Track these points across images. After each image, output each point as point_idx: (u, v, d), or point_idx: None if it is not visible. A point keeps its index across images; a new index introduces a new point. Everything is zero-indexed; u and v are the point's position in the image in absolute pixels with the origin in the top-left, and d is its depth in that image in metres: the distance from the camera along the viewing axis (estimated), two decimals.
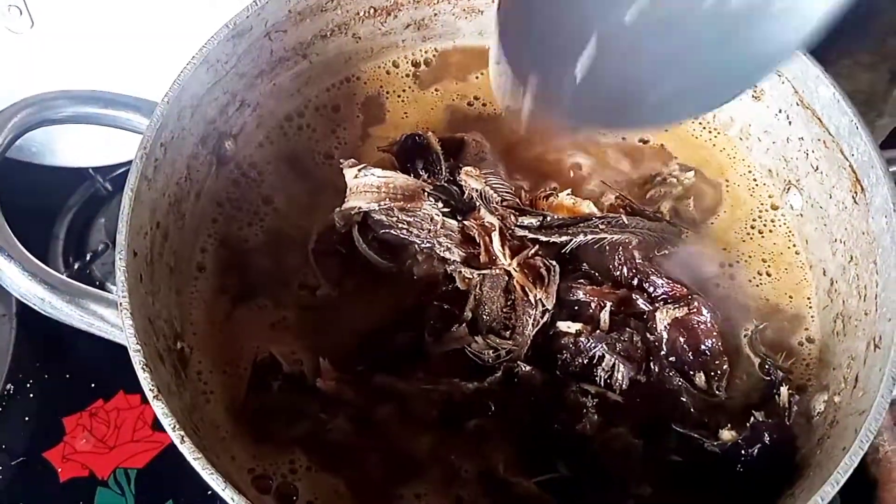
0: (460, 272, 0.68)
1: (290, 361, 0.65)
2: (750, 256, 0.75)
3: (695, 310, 0.67)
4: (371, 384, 0.64)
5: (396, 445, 0.64)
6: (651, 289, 0.70)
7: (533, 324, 0.66)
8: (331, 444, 0.63)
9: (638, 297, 0.69)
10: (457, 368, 0.66)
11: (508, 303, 0.67)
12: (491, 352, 0.66)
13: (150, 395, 0.52)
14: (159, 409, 0.52)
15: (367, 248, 0.69)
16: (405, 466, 0.63)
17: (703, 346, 0.67)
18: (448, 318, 0.67)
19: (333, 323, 0.69)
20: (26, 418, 0.92)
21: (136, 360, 0.54)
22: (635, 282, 0.70)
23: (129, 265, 0.57)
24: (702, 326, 0.68)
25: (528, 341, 0.66)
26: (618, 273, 0.71)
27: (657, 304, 0.69)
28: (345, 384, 0.63)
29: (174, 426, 0.51)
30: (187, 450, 0.51)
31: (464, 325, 0.66)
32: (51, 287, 0.58)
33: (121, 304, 0.55)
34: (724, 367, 0.67)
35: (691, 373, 0.67)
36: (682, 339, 0.67)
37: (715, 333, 0.67)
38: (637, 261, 0.70)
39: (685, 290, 0.69)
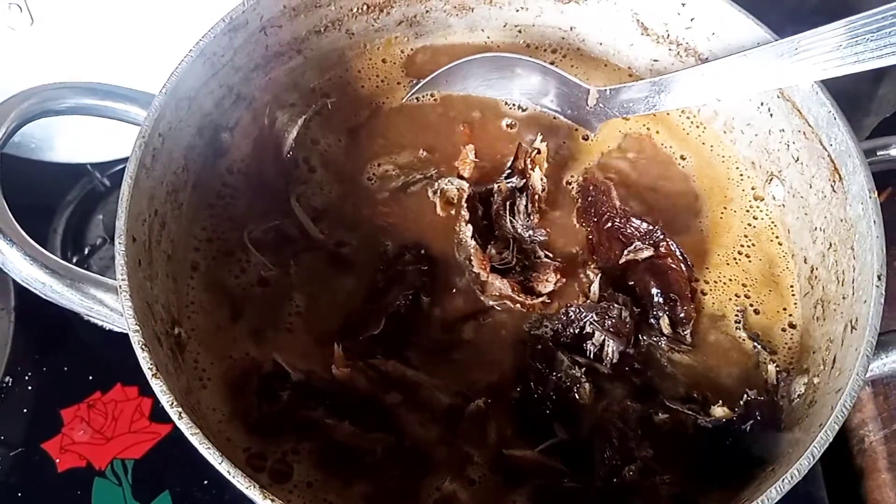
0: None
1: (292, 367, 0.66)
2: (738, 251, 0.77)
3: (664, 251, 0.70)
4: (382, 372, 0.65)
5: (406, 440, 0.65)
6: (630, 230, 0.73)
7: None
8: (339, 449, 0.64)
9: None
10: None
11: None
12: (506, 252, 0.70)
13: (148, 374, 0.54)
14: (157, 386, 0.53)
15: (302, 213, 0.72)
16: (417, 461, 0.64)
17: (670, 290, 0.70)
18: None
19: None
20: (25, 410, 0.93)
21: (135, 339, 0.55)
22: (615, 223, 0.74)
23: (128, 249, 0.59)
24: (670, 269, 0.70)
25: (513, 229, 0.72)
26: (597, 218, 0.74)
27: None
28: (357, 372, 0.64)
29: (172, 403, 0.53)
30: (185, 426, 0.52)
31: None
32: (52, 272, 0.60)
33: (120, 286, 0.57)
34: (692, 313, 0.70)
35: (658, 314, 0.69)
36: (650, 281, 0.70)
37: (682, 278, 0.69)
38: (616, 203, 0.74)
39: (661, 231, 0.72)
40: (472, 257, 0.70)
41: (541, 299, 0.70)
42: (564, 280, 0.71)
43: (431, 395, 0.65)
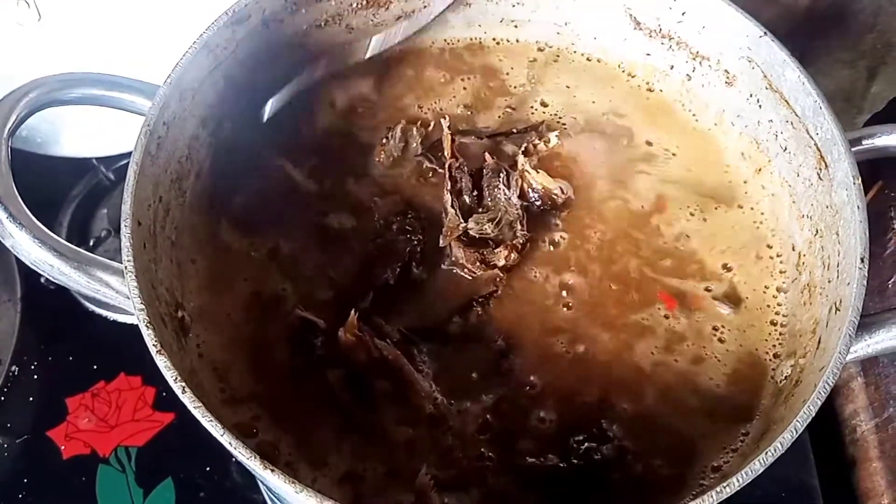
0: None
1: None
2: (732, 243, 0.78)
3: None
4: (383, 356, 0.66)
5: (378, 428, 0.66)
6: None
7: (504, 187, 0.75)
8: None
9: None
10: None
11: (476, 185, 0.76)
12: (489, 224, 0.73)
13: (153, 350, 0.55)
14: (162, 363, 0.55)
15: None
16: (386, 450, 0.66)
17: None
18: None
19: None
20: (30, 398, 0.95)
21: (141, 318, 0.57)
22: None
23: (133, 233, 0.60)
24: None
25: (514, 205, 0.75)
26: None
27: None
28: (362, 345, 0.66)
29: (176, 378, 0.54)
30: (188, 400, 0.54)
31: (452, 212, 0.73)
32: (60, 254, 0.61)
33: (126, 266, 0.58)
34: None
35: None
36: None
37: None
38: None
39: None
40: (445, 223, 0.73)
41: (493, 271, 0.72)
42: (518, 257, 0.73)
43: (418, 400, 0.66)
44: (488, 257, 0.73)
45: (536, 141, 0.80)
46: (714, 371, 0.70)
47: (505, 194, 0.75)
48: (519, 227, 0.74)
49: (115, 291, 0.62)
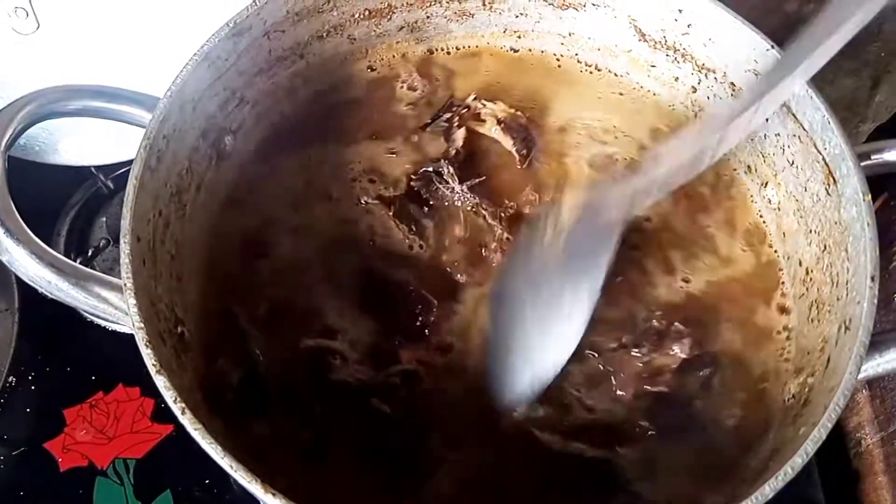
0: None
1: None
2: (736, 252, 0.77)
3: None
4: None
5: None
6: None
7: None
8: None
9: None
10: None
11: None
12: None
13: (152, 370, 0.54)
14: (161, 382, 0.54)
15: None
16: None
17: None
18: None
19: None
20: (28, 410, 0.94)
21: (140, 336, 0.56)
22: None
23: (133, 248, 0.59)
24: None
25: None
26: None
27: None
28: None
29: (175, 398, 0.53)
30: (188, 421, 0.53)
31: None
32: (58, 270, 0.60)
33: (125, 284, 0.58)
34: None
35: None
36: None
37: None
38: None
39: None
40: None
41: None
42: None
43: None
44: None
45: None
46: None
47: None
48: None
49: (113, 308, 0.61)
